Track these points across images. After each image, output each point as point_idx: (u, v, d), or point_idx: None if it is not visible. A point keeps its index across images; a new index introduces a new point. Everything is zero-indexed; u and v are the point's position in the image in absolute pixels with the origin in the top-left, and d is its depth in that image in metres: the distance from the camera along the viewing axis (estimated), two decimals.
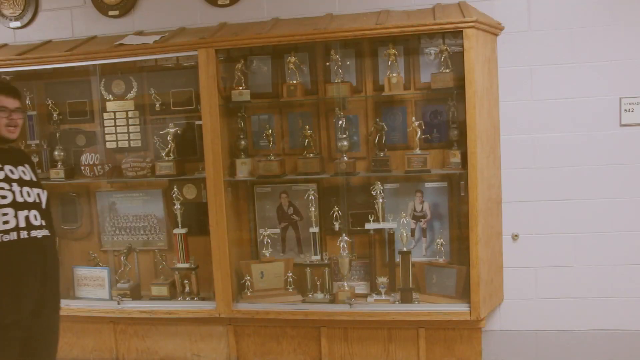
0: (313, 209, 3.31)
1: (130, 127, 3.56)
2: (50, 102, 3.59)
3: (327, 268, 3.31)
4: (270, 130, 3.34)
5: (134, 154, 3.54)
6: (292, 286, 3.31)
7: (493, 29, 3.05)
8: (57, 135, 3.59)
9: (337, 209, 3.32)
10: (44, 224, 2.38)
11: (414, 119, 3.17)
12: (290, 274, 3.31)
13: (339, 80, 3.18)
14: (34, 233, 2.32)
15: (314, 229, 3.31)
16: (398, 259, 3.19)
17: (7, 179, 2.30)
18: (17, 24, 3.65)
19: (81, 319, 3.46)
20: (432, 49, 3.19)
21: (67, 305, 3.45)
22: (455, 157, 3.11)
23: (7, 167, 2.33)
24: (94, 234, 3.69)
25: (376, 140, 3.23)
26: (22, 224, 2.29)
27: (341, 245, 3.24)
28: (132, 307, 3.38)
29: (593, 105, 3.11)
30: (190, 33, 3.32)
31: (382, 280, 3.22)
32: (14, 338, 2.28)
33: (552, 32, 3.10)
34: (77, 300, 3.53)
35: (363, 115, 3.34)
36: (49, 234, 2.40)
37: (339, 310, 3.16)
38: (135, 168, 3.43)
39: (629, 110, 3.08)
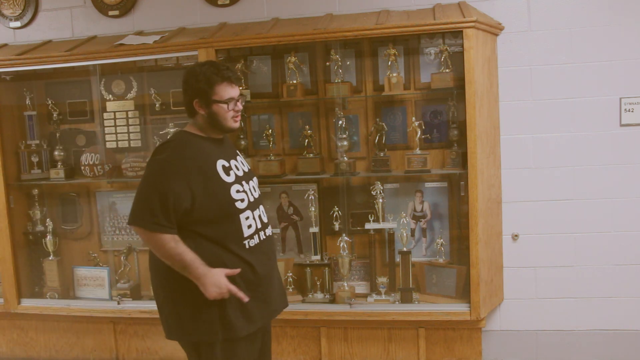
0: (313, 209, 3.31)
1: (130, 127, 3.56)
2: (50, 102, 3.59)
3: (327, 268, 3.31)
4: (270, 130, 3.35)
5: (134, 154, 3.54)
6: (292, 286, 3.31)
7: (493, 29, 3.05)
8: (57, 135, 3.59)
9: (337, 209, 3.32)
10: (268, 219, 2.27)
11: (414, 119, 3.17)
12: (290, 274, 3.31)
13: (339, 80, 3.18)
14: (267, 232, 2.22)
15: (314, 229, 3.31)
16: (398, 259, 3.19)
17: (238, 180, 2.15)
18: (17, 24, 3.65)
19: (81, 319, 3.46)
20: (432, 49, 3.19)
21: (67, 305, 3.47)
22: (455, 157, 3.12)
23: (233, 163, 2.18)
24: (94, 234, 3.69)
25: (376, 140, 3.23)
26: (259, 224, 2.17)
27: (341, 245, 3.24)
28: (132, 307, 3.38)
29: (593, 105, 3.10)
30: (190, 33, 3.32)
31: (382, 280, 3.22)
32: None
33: (552, 32, 3.10)
34: (77, 300, 3.54)
35: (363, 115, 3.34)
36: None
37: (338, 310, 3.16)
38: (135, 168, 3.43)
39: (629, 110, 3.08)
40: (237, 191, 2.12)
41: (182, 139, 2.12)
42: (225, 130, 2.17)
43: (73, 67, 3.41)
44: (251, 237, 2.14)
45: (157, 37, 3.26)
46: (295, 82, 3.25)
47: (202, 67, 2.11)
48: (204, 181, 2.04)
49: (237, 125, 2.17)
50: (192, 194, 2.01)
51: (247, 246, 2.12)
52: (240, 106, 2.16)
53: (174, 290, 2.10)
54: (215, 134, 2.18)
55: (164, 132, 3.40)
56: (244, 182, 2.17)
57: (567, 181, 3.17)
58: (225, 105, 2.10)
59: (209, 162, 2.09)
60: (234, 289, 2.05)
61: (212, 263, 2.04)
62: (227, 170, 2.13)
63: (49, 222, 3.55)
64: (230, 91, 2.12)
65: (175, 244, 2.00)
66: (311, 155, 3.28)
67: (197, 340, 2.13)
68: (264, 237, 2.21)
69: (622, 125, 3.10)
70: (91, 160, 3.49)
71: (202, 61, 2.18)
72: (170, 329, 2.18)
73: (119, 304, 3.39)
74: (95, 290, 3.52)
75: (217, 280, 2.02)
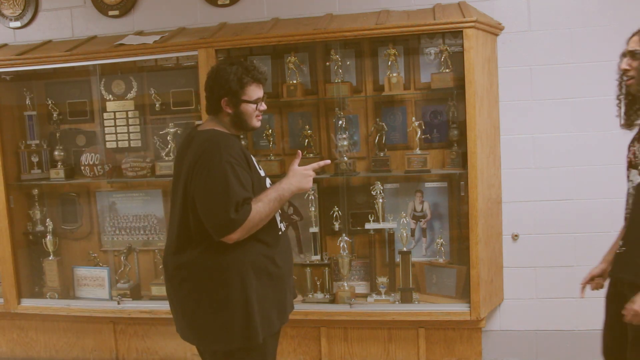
0: (313, 209, 3.31)
1: (130, 127, 3.55)
2: (50, 102, 3.59)
3: (327, 268, 3.31)
4: (270, 130, 3.35)
5: (134, 154, 3.54)
6: None
7: (493, 29, 3.05)
8: (57, 135, 3.59)
9: (337, 209, 3.32)
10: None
11: (414, 119, 3.17)
12: None
13: (339, 80, 3.18)
14: (282, 226, 2.24)
15: (314, 229, 3.31)
16: (398, 259, 3.19)
17: (265, 173, 2.23)
18: (17, 24, 3.65)
19: (81, 319, 3.46)
20: (432, 49, 3.19)
21: (67, 305, 3.47)
22: (455, 157, 3.12)
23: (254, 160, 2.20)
24: (94, 234, 3.69)
25: (376, 140, 3.23)
26: (278, 216, 2.21)
27: (341, 245, 3.24)
28: (132, 307, 3.38)
29: (593, 105, 3.10)
30: (190, 33, 3.32)
31: (382, 280, 3.22)
32: None
33: (552, 32, 3.10)
34: (77, 300, 3.54)
35: (363, 115, 3.34)
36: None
37: (339, 310, 3.16)
38: (135, 168, 3.43)
39: None
40: (270, 184, 2.21)
41: (222, 137, 2.10)
42: (248, 129, 2.21)
43: (73, 67, 3.41)
44: (279, 222, 2.21)
45: (157, 37, 3.26)
46: (295, 82, 3.25)
47: (232, 66, 2.12)
48: (252, 175, 2.09)
49: (259, 124, 2.22)
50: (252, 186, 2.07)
51: (280, 232, 2.19)
52: (264, 106, 2.22)
53: (212, 299, 2.06)
54: (237, 131, 2.21)
55: (164, 132, 3.40)
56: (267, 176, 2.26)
57: (567, 181, 3.17)
58: (253, 106, 2.15)
59: (249, 157, 2.13)
60: (315, 165, 2.20)
61: (256, 262, 2.08)
62: (258, 164, 2.22)
63: (49, 222, 3.55)
64: (258, 92, 2.17)
65: (260, 204, 2.03)
66: (311, 155, 3.27)
67: (236, 346, 2.09)
68: (284, 229, 2.25)
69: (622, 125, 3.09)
70: (91, 160, 3.49)
71: (228, 59, 2.24)
72: (203, 337, 2.11)
73: (119, 304, 3.39)
74: (95, 290, 3.52)
75: (299, 176, 2.15)
